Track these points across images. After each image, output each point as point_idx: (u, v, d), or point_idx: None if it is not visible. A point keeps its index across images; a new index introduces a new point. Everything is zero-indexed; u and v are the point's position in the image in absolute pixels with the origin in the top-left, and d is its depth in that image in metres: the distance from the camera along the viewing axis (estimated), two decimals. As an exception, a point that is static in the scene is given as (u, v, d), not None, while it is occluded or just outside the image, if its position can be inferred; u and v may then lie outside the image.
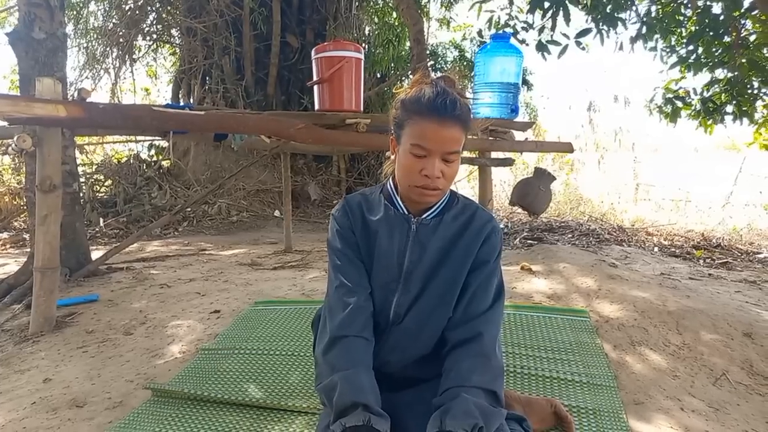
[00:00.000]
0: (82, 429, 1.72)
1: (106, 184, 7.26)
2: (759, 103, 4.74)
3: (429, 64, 7.69)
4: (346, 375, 1.22)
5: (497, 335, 1.33)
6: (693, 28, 4.59)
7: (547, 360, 2.07)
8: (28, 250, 4.17)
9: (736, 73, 4.49)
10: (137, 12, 7.70)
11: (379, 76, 8.18)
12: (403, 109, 1.29)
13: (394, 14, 8.31)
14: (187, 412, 1.77)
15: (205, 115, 2.97)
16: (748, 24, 4.51)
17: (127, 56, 7.91)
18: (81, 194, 4.69)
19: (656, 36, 4.52)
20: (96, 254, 3.85)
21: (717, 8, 4.28)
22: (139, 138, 7.49)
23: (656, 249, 5.09)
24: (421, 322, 1.38)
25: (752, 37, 4.51)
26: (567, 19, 4.16)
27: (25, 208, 5.88)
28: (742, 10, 4.20)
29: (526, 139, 4.29)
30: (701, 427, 1.68)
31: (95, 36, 7.72)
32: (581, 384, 1.89)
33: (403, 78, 8.04)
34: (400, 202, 1.38)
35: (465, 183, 8.68)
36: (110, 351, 2.37)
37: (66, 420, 1.78)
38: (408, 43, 7.60)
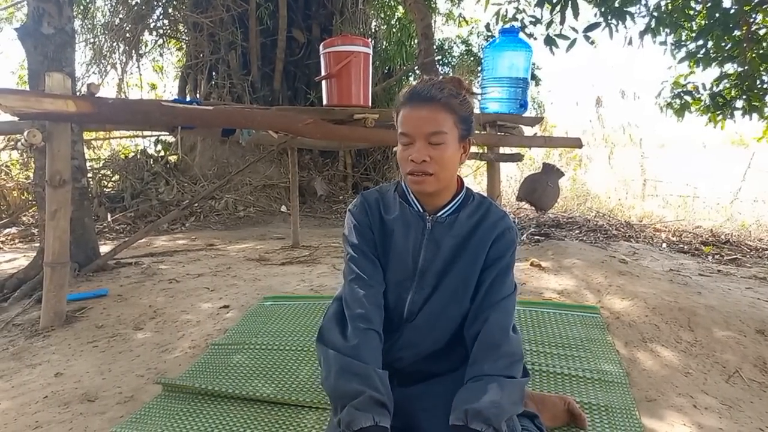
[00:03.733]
0: (93, 423, 1.73)
1: (113, 179, 7.28)
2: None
3: (436, 59, 7.66)
4: (377, 373, 1.22)
5: (508, 324, 1.32)
6: (703, 22, 4.55)
7: (558, 357, 2.06)
8: (37, 245, 4.19)
9: (746, 68, 4.45)
10: (143, 7, 7.69)
11: (386, 71, 8.16)
12: (396, 106, 1.34)
13: (403, 10, 8.28)
14: (198, 407, 1.77)
15: (214, 110, 2.97)
16: (759, 18, 4.46)
17: (133, 51, 7.90)
18: (89, 189, 4.70)
19: (665, 30, 4.48)
20: (104, 249, 3.86)
21: (727, 2, 4.24)
22: (145, 133, 7.50)
23: (664, 245, 5.07)
24: (433, 320, 1.38)
25: (763, 32, 4.47)
26: (575, 13, 4.13)
27: (33, 203, 5.90)
28: (753, 4, 4.16)
29: (535, 134, 4.27)
30: (714, 424, 1.67)
31: (102, 31, 7.72)
32: (593, 381, 1.89)
33: (410, 73, 8.02)
34: (415, 200, 1.38)
35: (472, 178, 8.66)
36: (120, 346, 2.38)
37: (78, 414, 1.79)
38: (416, 39, 7.58)
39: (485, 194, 1.50)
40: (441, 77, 1.34)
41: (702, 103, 4.97)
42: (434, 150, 1.26)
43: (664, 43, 4.55)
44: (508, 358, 1.25)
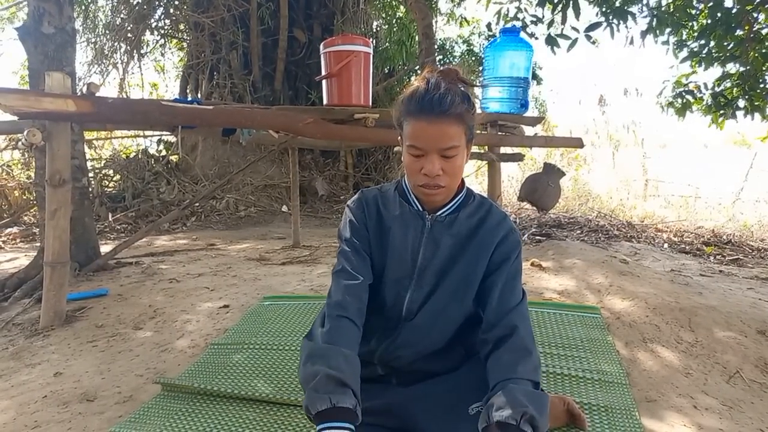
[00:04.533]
0: (92, 423, 1.72)
1: (114, 179, 7.29)
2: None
3: (437, 59, 7.66)
4: (340, 352, 1.19)
5: (531, 329, 1.31)
6: (704, 22, 4.54)
7: (559, 357, 2.06)
8: (38, 244, 4.19)
9: (748, 68, 4.44)
10: (145, 7, 7.70)
11: (387, 71, 8.16)
12: (400, 109, 1.29)
13: (404, 10, 8.28)
14: (197, 407, 1.77)
15: (214, 109, 2.97)
16: (761, 17, 4.44)
17: (134, 51, 7.91)
18: (90, 189, 4.71)
19: (667, 30, 4.46)
20: (105, 249, 3.86)
21: (729, 1, 4.23)
22: (147, 133, 7.52)
23: (666, 245, 5.06)
24: (433, 319, 1.37)
25: (765, 31, 4.45)
26: (576, 13, 4.12)
27: (34, 202, 5.91)
28: (755, 4, 4.14)
29: (536, 134, 4.27)
30: (715, 425, 1.66)
31: (103, 31, 7.73)
32: (593, 381, 1.88)
33: (411, 73, 8.02)
34: (414, 199, 1.37)
35: (473, 178, 8.65)
36: (120, 345, 2.38)
37: (77, 414, 1.78)
38: (417, 38, 7.59)
39: (486, 194, 1.49)
40: (438, 70, 1.31)
41: (704, 103, 4.95)
42: (447, 162, 1.24)
43: (666, 42, 4.54)
44: (534, 364, 1.24)
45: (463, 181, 1.41)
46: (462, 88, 1.27)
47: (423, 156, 1.23)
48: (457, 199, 1.37)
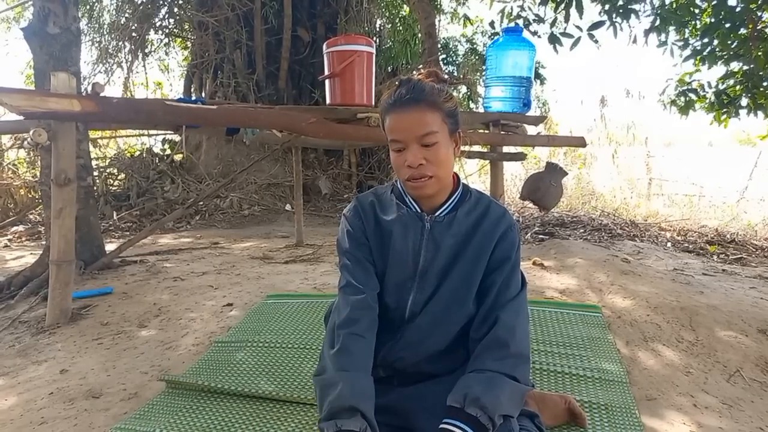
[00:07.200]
0: (98, 419, 1.75)
1: (119, 177, 7.33)
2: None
3: (440, 57, 7.66)
4: (348, 377, 1.22)
5: (519, 324, 1.30)
6: (708, 20, 4.53)
7: (559, 355, 2.07)
8: (44, 242, 4.22)
9: (752, 66, 4.43)
10: (149, 6, 7.74)
11: (390, 70, 8.17)
12: (381, 110, 1.33)
13: (407, 9, 8.29)
14: (201, 404, 1.79)
15: (217, 109, 2.99)
16: (765, 16, 4.43)
17: (139, 50, 7.95)
18: (95, 188, 4.74)
19: (671, 28, 4.46)
20: (110, 247, 3.89)
21: (733, 0, 4.22)
22: (151, 132, 7.55)
23: (669, 244, 5.05)
24: (436, 319, 1.38)
25: (769, 29, 4.44)
26: (580, 11, 4.13)
27: (40, 201, 5.94)
28: (759, 2, 4.13)
29: (539, 133, 4.27)
30: (714, 423, 1.67)
31: (108, 30, 7.77)
32: (593, 379, 1.89)
33: (415, 72, 8.03)
34: (412, 201, 1.38)
35: (476, 177, 8.66)
36: (125, 343, 2.40)
37: (83, 410, 1.81)
38: (420, 37, 7.60)
39: (489, 193, 1.50)
40: (420, 73, 1.34)
41: (707, 101, 4.95)
42: (428, 151, 1.25)
43: (665, 44, 4.52)
44: (514, 358, 1.24)
45: (458, 178, 1.41)
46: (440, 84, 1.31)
47: (405, 149, 1.26)
48: (453, 197, 1.38)
